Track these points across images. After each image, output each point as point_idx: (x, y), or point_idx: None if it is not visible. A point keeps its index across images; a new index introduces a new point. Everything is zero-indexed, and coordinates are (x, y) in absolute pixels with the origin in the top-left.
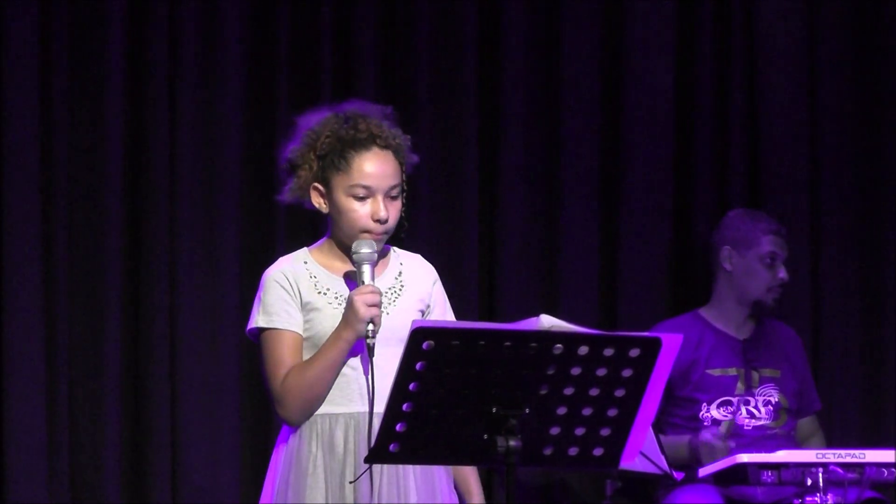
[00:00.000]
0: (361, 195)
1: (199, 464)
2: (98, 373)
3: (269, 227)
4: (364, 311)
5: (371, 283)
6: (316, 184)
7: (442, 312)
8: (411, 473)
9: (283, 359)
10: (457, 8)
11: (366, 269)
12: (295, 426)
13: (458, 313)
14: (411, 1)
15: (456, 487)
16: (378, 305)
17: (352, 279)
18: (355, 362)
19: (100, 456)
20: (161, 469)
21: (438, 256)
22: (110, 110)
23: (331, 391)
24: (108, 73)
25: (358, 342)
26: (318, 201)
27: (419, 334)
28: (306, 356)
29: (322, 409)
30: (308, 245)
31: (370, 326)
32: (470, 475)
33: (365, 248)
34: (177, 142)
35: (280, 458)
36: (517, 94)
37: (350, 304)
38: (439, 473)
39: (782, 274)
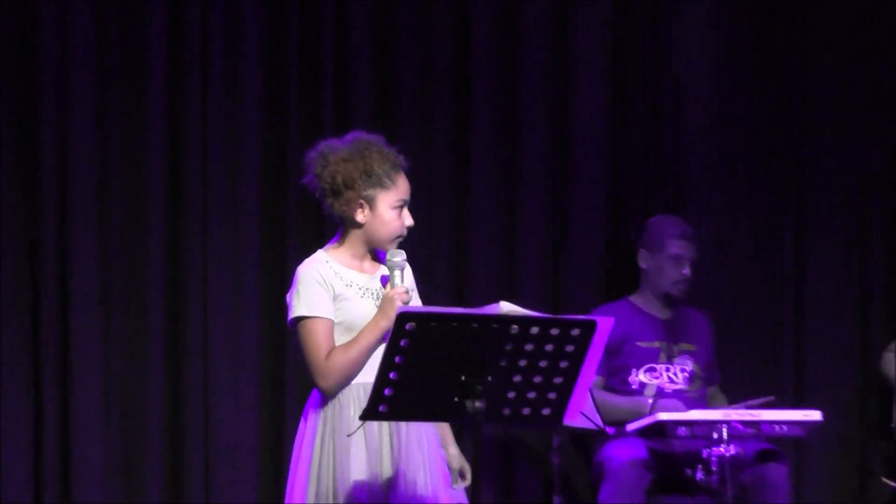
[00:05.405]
0: (400, 206)
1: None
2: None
3: (282, 223)
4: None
5: (402, 284)
6: (362, 200)
7: (416, 292)
8: (413, 430)
9: (325, 340)
10: (432, 21)
11: (397, 273)
12: (331, 396)
13: (433, 300)
14: (401, 26)
15: None
16: (408, 303)
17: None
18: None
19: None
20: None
21: (416, 252)
22: (152, 122)
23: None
24: (150, 86)
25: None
26: (361, 213)
27: (403, 318)
28: (338, 337)
29: (358, 379)
30: (321, 246)
31: None
32: (446, 429)
33: (398, 257)
34: (208, 144)
35: (317, 421)
36: (484, 103)
37: (389, 301)
38: (428, 429)
39: (686, 271)
